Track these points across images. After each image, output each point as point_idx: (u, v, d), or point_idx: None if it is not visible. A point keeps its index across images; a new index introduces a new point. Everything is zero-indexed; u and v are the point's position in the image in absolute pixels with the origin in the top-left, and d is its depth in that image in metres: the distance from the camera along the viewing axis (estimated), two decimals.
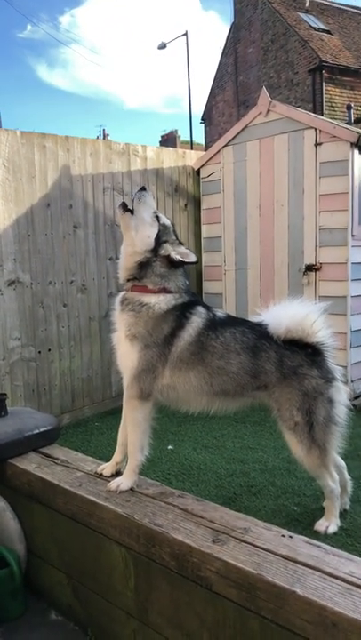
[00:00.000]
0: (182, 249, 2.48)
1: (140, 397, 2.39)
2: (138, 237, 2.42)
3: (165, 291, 2.41)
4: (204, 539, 1.86)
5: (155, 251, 2.41)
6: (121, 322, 2.42)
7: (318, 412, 2.58)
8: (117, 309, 2.46)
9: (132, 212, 2.42)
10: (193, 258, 2.50)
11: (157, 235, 2.42)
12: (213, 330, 2.47)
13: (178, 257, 2.43)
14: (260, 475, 3.71)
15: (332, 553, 1.72)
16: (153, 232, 2.42)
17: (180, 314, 2.41)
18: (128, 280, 2.46)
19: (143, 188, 2.49)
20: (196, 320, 2.44)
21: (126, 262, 2.46)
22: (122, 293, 2.49)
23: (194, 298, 2.54)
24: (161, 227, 2.44)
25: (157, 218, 2.46)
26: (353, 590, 1.52)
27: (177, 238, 2.53)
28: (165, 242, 2.44)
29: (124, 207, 2.43)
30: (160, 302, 2.38)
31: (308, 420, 2.57)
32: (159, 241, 2.42)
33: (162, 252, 2.42)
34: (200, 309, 2.49)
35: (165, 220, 2.50)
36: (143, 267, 2.41)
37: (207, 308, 2.56)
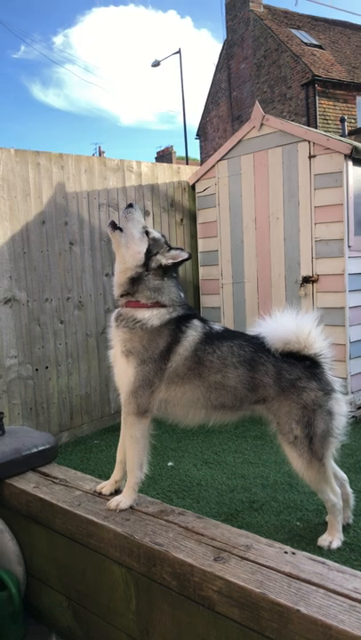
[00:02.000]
0: (172, 252, 2.46)
1: (137, 414, 2.37)
2: (128, 254, 2.41)
3: (159, 305, 2.40)
4: (205, 557, 1.82)
5: (146, 265, 2.40)
6: (116, 338, 2.41)
7: (318, 425, 2.55)
8: (113, 326, 2.45)
9: (121, 229, 2.43)
10: (185, 255, 2.47)
11: (148, 249, 2.42)
12: (210, 344, 2.45)
13: (170, 261, 2.42)
14: (262, 490, 3.67)
15: (336, 569, 1.69)
16: (143, 247, 2.41)
17: (176, 328, 2.39)
18: (122, 296, 2.45)
19: (130, 205, 2.49)
20: (192, 334, 2.42)
21: (119, 279, 2.46)
22: (117, 310, 2.48)
23: (190, 311, 2.53)
24: (151, 241, 2.44)
25: (147, 233, 2.45)
26: (358, 607, 1.48)
27: (169, 246, 2.51)
28: (156, 254, 2.43)
29: (113, 226, 2.44)
30: (153, 317, 2.37)
31: (307, 434, 2.54)
32: (150, 255, 2.42)
33: (153, 264, 2.41)
34: (196, 323, 2.47)
35: (155, 234, 2.49)
36: (135, 282, 2.41)
37: (203, 321, 2.54)
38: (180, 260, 2.45)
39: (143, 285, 2.40)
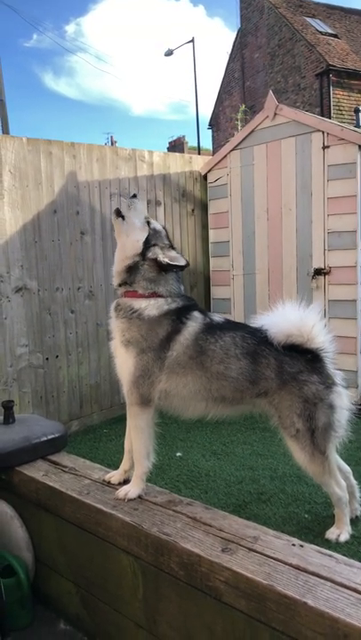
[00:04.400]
0: (172, 253, 2.46)
1: (140, 403, 2.38)
2: (128, 242, 2.43)
3: (156, 295, 2.40)
4: (213, 548, 1.83)
5: (143, 254, 2.41)
6: (116, 328, 2.43)
7: (319, 419, 2.54)
8: (112, 316, 2.46)
9: (123, 217, 2.44)
10: (182, 261, 2.46)
11: (147, 238, 2.42)
12: (212, 334, 2.45)
13: (166, 260, 2.41)
14: (270, 482, 3.67)
15: (343, 562, 1.69)
16: (142, 236, 2.42)
17: (176, 318, 2.39)
18: (120, 285, 2.46)
19: (134, 196, 2.52)
20: (192, 324, 2.42)
21: (117, 267, 2.47)
22: (116, 300, 2.48)
23: (189, 302, 2.52)
24: (151, 231, 2.45)
25: (148, 223, 2.46)
26: None
27: (170, 243, 2.51)
28: (155, 245, 2.43)
29: (118, 213, 2.45)
30: (151, 307, 2.37)
31: (309, 427, 2.53)
32: (148, 245, 2.42)
33: (149, 254, 2.41)
34: (196, 314, 2.47)
35: (157, 225, 2.50)
36: (132, 271, 2.41)
37: (203, 312, 2.53)
38: (175, 263, 2.44)
39: (140, 275, 2.40)
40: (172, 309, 2.40)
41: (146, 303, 2.38)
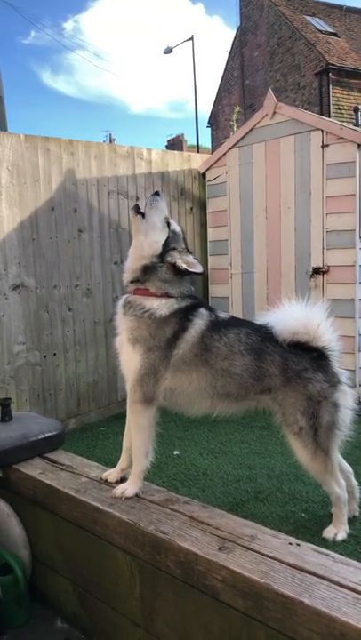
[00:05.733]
0: (190, 258, 2.46)
1: (143, 402, 2.37)
2: (146, 242, 2.41)
3: (168, 295, 2.40)
4: (210, 546, 1.83)
5: (161, 256, 2.40)
6: (123, 326, 2.41)
7: (323, 417, 2.54)
8: (120, 313, 2.44)
9: (143, 215, 2.41)
10: (200, 268, 2.47)
11: (166, 241, 2.41)
12: (217, 331, 2.45)
13: (184, 266, 2.41)
14: (268, 480, 3.67)
15: (340, 561, 1.68)
16: (162, 237, 2.41)
17: (183, 317, 2.39)
18: (132, 282, 2.44)
19: (157, 193, 2.49)
20: (199, 322, 2.42)
21: (132, 265, 2.45)
22: (124, 296, 2.47)
23: (197, 301, 2.52)
24: (171, 233, 2.43)
25: (168, 224, 2.45)
26: None
27: (186, 247, 2.51)
28: (173, 249, 2.42)
29: (137, 210, 2.43)
30: (162, 306, 2.37)
31: (312, 425, 2.53)
32: (167, 247, 2.41)
33: (168, 258, 2.40)
34: (202, 311, 2.47)
35: (176, 227, 2.49)
36: (148, 271, 2.40)
37: (210, 309, 2.53)
38: (193, 270, 2.44)
39: (155, 276, 2.40)
40: (181, 308, 2.40)
41: (158, 303, 2.37)
